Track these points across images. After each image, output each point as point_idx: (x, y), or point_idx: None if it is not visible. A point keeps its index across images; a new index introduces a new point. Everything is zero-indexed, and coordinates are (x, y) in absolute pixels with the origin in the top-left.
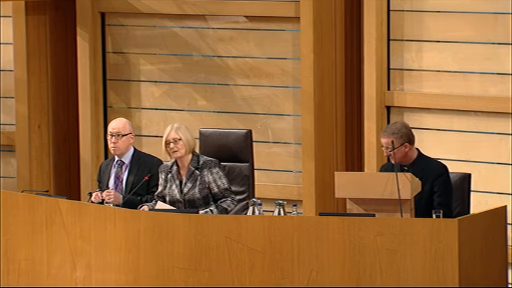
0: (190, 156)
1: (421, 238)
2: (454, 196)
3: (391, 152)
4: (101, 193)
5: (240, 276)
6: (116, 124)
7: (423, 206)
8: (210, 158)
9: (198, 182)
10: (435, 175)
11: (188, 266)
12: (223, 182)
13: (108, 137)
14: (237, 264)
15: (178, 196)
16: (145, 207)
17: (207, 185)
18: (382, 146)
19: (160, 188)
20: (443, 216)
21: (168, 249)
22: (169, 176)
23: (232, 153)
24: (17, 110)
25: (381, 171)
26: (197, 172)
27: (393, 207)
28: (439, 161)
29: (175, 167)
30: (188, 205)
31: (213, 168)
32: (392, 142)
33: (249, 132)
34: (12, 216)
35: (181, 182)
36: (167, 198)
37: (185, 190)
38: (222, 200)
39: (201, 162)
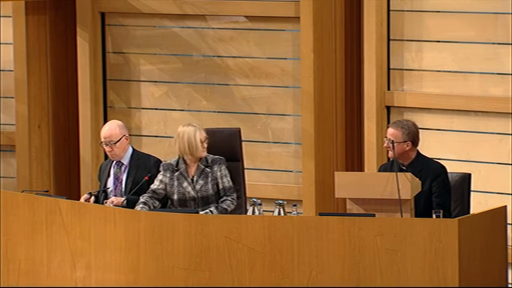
0: None
1: (421, 238)
2: (454, 196)
3: (391, 145)
4: (107, 200)
5: (240, 276)
6: (107, 132)
7: (421, 207)
8: (217, 156)
9: (209, 179)
10: (433, 175)
11: (188, 266)
12: (228, 180)
13: (103, 145)
14: (237, 264)
15: (192, 193)
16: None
17: (217, 181)
18: (385, 137)
19: (158, 185)
20: (443, 217)
21: (168, 249)
22: (176, 174)
23: (222, 151)
24: (17, 110)
25: (379, 171)
26: (208, 169)
27: (393, 207)
28: (437, 161)
29: (183, 165)
30: (201, 202)
31: (223, 165)
32: (397, 136)
33: (239, 130)
34: (12, 216)
35: (192, 179)
36: (175, 197)
37: (198, 187)
38: (222, 200)
39: (209, 159)
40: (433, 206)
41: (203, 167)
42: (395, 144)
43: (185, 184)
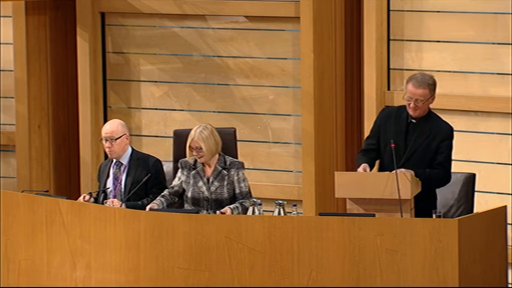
0: (216, 156)
1: (421, 238)
2: (458, 195)
3: (419, 105)
4: (108, 200)
5: (240, 276)
6: (108, 128)
7: (426, 162)
8: (236, 159)
9: (225, 182)
10: (444, 136)
11: (188, 266)
12: (245, 185)
13: (103, 141)
14: (237, 264)
15: (206, 193)
16: (154, 206)
17: (233, 185)
18: (407, 96)
19: (176, 181)
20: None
21: (168, 249)
22: (193, 172)
23: None
24: (17, 110)
25: (381, 114)
26: (225, 172)
27: (393, 207)
28: (447, 122)
29: (200, 164)
30: (215, 204)
31: (240, 170)
32: (426, 94)
33: (234, 130)
34: (12, 216)
35: (208, 180)
36: (189, 195)
37: (212, 189)
38: (241, 201)
39: (228, 162)
40: (434, 162)
41: (220, 168)
42: (422, 103)
43: (200, 184)
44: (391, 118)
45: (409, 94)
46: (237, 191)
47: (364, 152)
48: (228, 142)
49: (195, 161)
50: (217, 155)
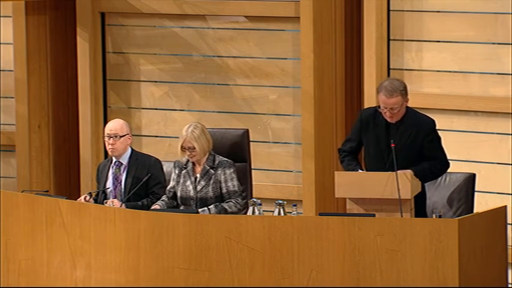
0: (206, 155)
1: (421, 238)
2: (458, 195)
3: (395, 112)
4: (108, 201)
5: (240, 276)
6: (113, 125)
7: (414, 158)
8: (225, 159)
9: (211, 181)
10: (427, 131)
11: (188, 266)
12: (233, 184)
13: (106, 139)
14: (237, 264)
15: (192, 193)
16: (156, 207)
17: (220, 185)
18: (382, 106)
19: (172, 183)
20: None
21: (168, 249)
22: (183, 171)
23: (229, 152)
24: (17, 110)
25: (360, 117)
26: (212, 171)
27: (393, 207)
28: (426, 115)
29: (190, 164)
30: (200, 203)
31: (227, 168)
32: (399, 101)
33: (246, 131)
34: (12, 216)
35: (195, 179)
36: (178, 194)
37: (198, 188)
38: (226, 201)
39: (216, 161)
40: (428, 159)
41: (208, 168)
42: (398, 110)
43: (188, 183)
44: (369, 123)
45: (383, 104)
46: (224, 190)
47: (350, 156)
48: (239, 143)
49: (187, 160)
50: (207, 154)
